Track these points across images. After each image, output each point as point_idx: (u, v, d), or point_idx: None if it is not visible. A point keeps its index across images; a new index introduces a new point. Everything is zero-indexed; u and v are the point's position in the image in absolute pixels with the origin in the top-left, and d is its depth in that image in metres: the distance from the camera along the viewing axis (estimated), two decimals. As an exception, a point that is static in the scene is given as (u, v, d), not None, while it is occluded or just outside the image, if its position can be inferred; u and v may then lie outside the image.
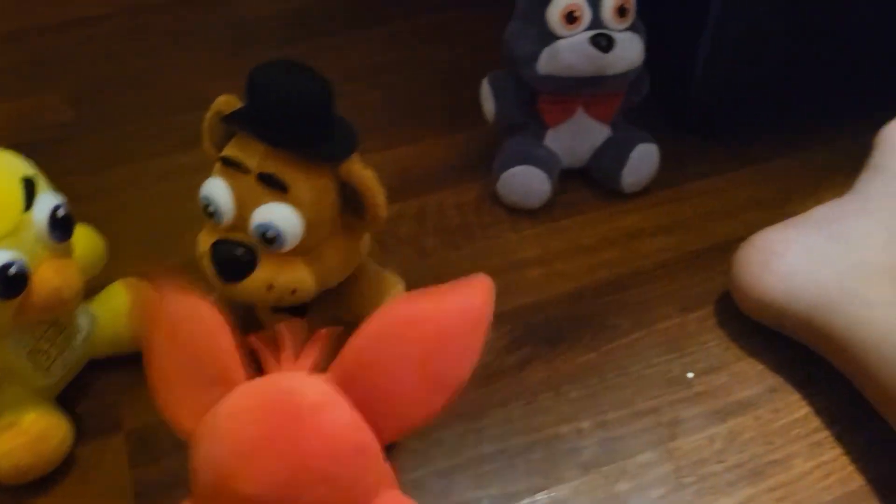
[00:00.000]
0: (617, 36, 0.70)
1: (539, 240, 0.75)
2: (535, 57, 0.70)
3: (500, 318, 0.67)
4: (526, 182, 0.75)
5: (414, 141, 0.84)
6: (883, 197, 0.65)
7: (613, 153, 0.76)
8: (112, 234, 0.66)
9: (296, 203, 0.51)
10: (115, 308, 0.61)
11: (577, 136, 0.76)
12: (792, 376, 0.65)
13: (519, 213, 0.77)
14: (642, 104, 0.78)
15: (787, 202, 0.78)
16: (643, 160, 0.77)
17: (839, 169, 0.79)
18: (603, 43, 0.69)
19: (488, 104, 0.76)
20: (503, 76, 0.76)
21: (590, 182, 0.79)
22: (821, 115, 0.84)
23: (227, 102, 0.54)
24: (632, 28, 0.72)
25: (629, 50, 0.70)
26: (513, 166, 0.75)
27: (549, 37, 0.70)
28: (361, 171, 0.52)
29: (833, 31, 0.79)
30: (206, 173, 0.54)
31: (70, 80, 0.92)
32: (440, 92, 0.90)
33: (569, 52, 0.69)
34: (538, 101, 0.74)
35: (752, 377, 0.65)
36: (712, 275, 0.72)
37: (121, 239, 0.67)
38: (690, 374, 0.65)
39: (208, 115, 0.55)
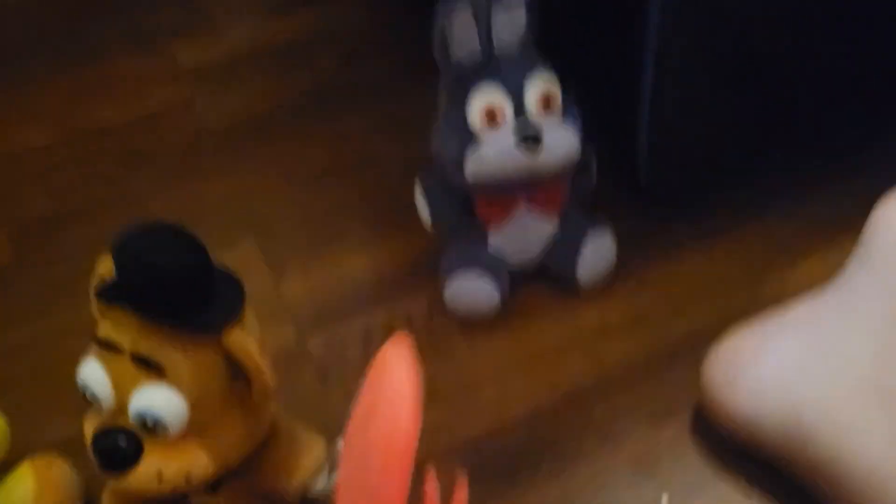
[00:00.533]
0: (545, 130, 0.64)
1: (494, 353, 0.69)
2: (460, 163, 0.65)
3: (450, 452, 0.61)
4: (472, 292, 0.69)
5: (361, 248, 0.78)
6: (872, 295, 0.54)
7: (564, 249, 0.70)
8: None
9: (175, 383, 0.46)
10: (18, 499, 0.56)
11: (523, 234, 0.70)
12: (779, 495, 0.57)
13: (472, 321, 0.71)
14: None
15: (759, 282, 0.71)
16: (597, 253, 0.70)
17: (813, 238, 0.73)
18: (530, 143, 0.63)
19: (422, 209, 0.71)
20: (434, 177, 0.70)
21: (547, 278, 0.73)
22: (787, 177, 0.78)
23: (109, 267, 0.49)
24: (563, 116, 0.66)
25: (561, 143, 0.65)
26: (456, 275, 0.69)
27: (473, 139, 0.64)
28: (241, 343, 0.46)
29: (785, 85, 0.73)
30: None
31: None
32: (389, 193, 0.84)
33: (495, 156, 0.64)
34: (474, 202, 0.69)
35: (734, 499, 0.58)
36: (685, 375, 0.64)
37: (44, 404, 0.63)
38: (664, 499, 0.58)
39: (91, 281, 0.51)
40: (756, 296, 0.69)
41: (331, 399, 0.65)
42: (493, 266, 0.69)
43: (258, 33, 1.03)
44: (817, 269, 0.66)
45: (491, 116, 0.64)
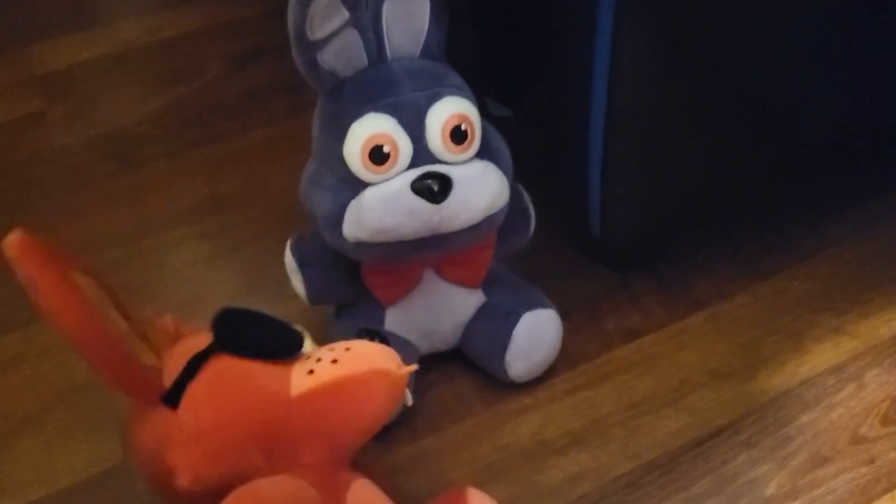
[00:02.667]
0: (455, 173, 0.45)
1: (386, 480, 0.50)
2: (336, 221, 0.46)
3: None
4: None
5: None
6: None
7: (490, 331, 0.52)
8: None
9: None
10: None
11: (432, 311, 0.52)
12: None
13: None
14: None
15: (753, 376, 0.53)
16: (534, 336, 0.52)
17: (819, 307, 0.55)
18: (432, 188, 0.44)
19: (296, 282, 0.52)
20: (310, 241, 0.51)
21: (467, 362, 0.54)
22: (776, 231, 0.61)
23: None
24: (482, 153, 0.47)
25: (477, 191, 0.46)
26: None
27: (354, 184, 0.46)
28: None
29: (754, 121, 0.55)
30: None
31: None
32: (274, 241, 0.65)
33: (382, 208, 0.45)
34: (361, 272, 0.50)
35: None
36: (651, 515, 0.47)
37: None
38: None
39: None
40: (752, 399, 0.51)
41: None
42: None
43: (136, 32, 0.84)
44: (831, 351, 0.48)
45: (377, 156, 0.45)
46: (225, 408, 0.38)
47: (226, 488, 0.37)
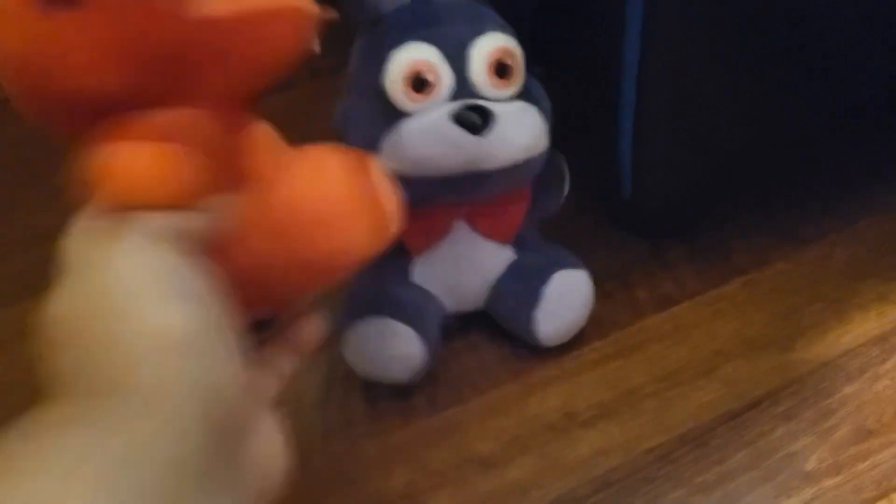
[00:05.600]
0: (496, 108, 0.44)
1: (406, 452, 0.48)
2: (373, 150, 0.44)
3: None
4: (383, 344, 0.48)
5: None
6: None
7: (519, 290, 0.50)
8: None
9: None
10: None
11: (461, 264, 0.50)
12: None
13: (379, 392, 0.50)
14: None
15: (792, 346, 0.50)
16: (565, 298, 0.50)
17: (863, 274, 0.52)
18: (474, 119, 0.43)
19: None
20: None
21: (492, 330, 0.52)
22: (817, 196, 0.58)
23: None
24: (523, 96, 0.46)
25: (518, 128, 0.45)
26: (361, 320, 0.48)
27: (392, 115, 0.44)
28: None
29: (795, 79, 0.52)
30: None
31: None
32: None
33: (420, 137, 0.44)
34: None
35: None
36: (686, 494, 0.45)
37: None
38: None
39: None
40: (790, 365, 0.49)
41: None
42: (415, 307, 0.49)
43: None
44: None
45: (418, 84, 0.44)
46: (121, 28, 0.32)
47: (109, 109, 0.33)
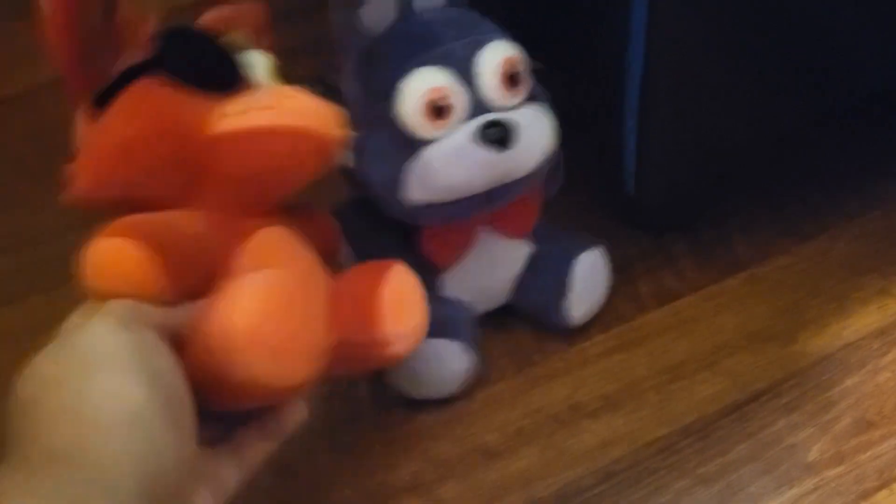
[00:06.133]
0: (514, 118, 0.44)
1: (412, 444, 0.48)
2: (397, 182, 0.44)
3: None
4: (431, 366, 0.48)
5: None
6: None
7: (545, 280, 0.51)
8: None
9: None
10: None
11: (487, 267, 0.50)
12: None
13: (384, 385, 0.50)
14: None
15: (794, 339, 0.51)
16: (588, 281, 0.51)
17: (864, 269, 0.53)
18: (499, 136, 0.43)
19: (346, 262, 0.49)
20: (354, 211, 0.49)
21: (497, 324, 0.52)
22: (819, 191, 0.58)
23: None
24: (532, 98, 0.46)
25: (537, 133, 0.45)
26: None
27: (412, 145, 0.44)
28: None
29: (799, 74, 0.52)
30: None
31: None
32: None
33: (447, 162, 0.44)
34: (418, 238, 0.48)
35: None
36: (688, 485, 0.45)
37: None
38: None
39: None
40: (793, 359, 0.50)
41: None
42: (453, 324, 0.49)
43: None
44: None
45: (437, 111, 0.43)
46: (139, 128, 0.36)
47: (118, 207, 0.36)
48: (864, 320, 0.52)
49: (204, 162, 0.36)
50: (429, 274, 0.49)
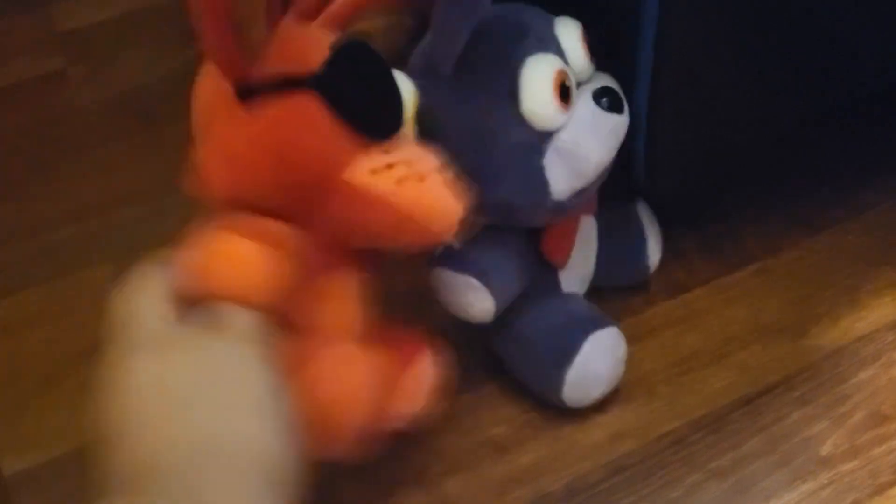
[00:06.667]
0: (610, 82, 0.45)
1: (419, 437, 0.47)
2: (538, 182, 0.42)
3: None
4: (607, 360, 0.47)
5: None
6: None
7: (624, 247, 0.51)
8: None
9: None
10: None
11: (584, 252, 0.49)
12: None
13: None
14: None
15: (806, 332, 0.50)
16: (655, 225, 0.52)
17: (876, 261, 0.52)
18: (614, 101, 0.44)
19: (479, 301, 0.44)
20: (471, 243, 0.43)
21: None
22: (830, 183, 0.57)
23: None
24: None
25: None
26: (576, 355, 0.45)
27: (538, 139, 0.42)
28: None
29: (810, 66, 0.51)
30: None
31: None
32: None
33: (592, 139, 0.43)
34: (543, 241, 0.46)
35: None
36: (701, 479, 0.44)
37: None
38: None
39: None
40: (802, 353, 0.49)
41: None
42: (593, 311, 0.48)
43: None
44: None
45: (564, 92, 0.42)
46: (276, 149, 0.35)
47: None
48: (877, 312, 0.51)
49: (325, 197, 0.36)
50: (549, 274, 0.47)
